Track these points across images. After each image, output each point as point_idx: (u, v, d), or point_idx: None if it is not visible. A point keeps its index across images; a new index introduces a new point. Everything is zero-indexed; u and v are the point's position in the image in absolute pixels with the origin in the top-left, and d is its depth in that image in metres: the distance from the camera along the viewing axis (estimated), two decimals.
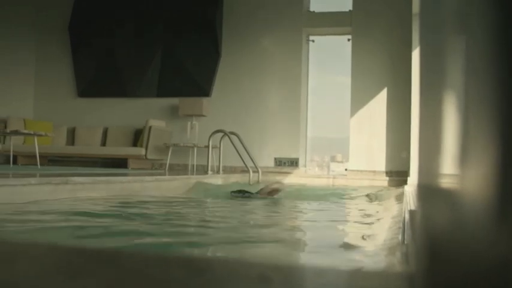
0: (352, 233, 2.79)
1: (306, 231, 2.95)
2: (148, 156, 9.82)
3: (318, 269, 0.85)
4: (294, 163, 10.19)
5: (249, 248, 2.04)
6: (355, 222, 3.49)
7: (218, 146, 8.95)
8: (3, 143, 9.25)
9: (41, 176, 4.33)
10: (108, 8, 11.29)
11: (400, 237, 2.05)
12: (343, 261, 1.80)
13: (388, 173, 9.61)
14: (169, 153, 9.92)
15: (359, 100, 9.98)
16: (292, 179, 9.64)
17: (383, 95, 9.83)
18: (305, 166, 10.45)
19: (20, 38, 11.44)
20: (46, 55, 11.78)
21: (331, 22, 10.41)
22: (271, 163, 10.22)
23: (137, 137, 10.55)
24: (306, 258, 1.94)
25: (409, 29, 8.77)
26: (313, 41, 10.74)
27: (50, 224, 2.84)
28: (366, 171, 9.72)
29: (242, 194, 5.66)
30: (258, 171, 8.78)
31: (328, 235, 2.66)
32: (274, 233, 2.71)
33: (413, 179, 7.59)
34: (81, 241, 2.11)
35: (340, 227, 3.20)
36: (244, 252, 1.94)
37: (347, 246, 2.17)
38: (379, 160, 9.75)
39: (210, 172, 8.29)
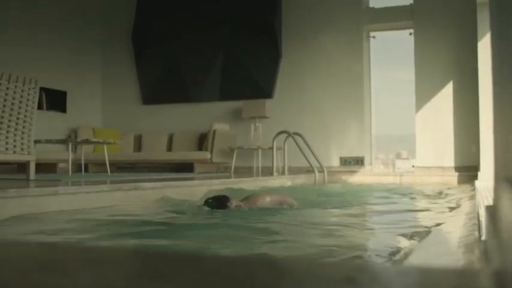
0: (426, 231, 2.73)
1: (378, 230, 2.90)
2: (214, 160, 9.92)
3: (401, 268, 0.83)
4: (359, 161, 10.08)
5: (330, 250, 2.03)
6: (428, 220, 3.41)
7: (282, 147, 8.95)
8: (75, 152, 9.55)
9: (112, 182, 4.44)
10: (168, 16, 11.49)
11: (476, 233, 1.99)
12: (422, 260, 1.76)
13: (457, 169, 9.36)
14: (234, 156, 9.99)
15: (424, 95, 9.78)
16: (359, 177, 9.55)
17: (449, 88, 9.60)
18: (371, 164, 10.31)
19: (88, 53, 11.80)
20: (112, 66, 12.10)
21: (391, 17, 10.24)
22: (337, 162, 10.14)
23: (202, 141, 10.68)
24: (386, 258, 1.91)
25: (473, 18, 8.52)
26: (373, 37, 10.59)
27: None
28: (433, 167, 9.51)
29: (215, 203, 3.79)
30: (323, 171, 8.74)
31: (402, 234, 2.61)
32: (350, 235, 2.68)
33: (485, 173, 7.35)
34: (162, 245, 2.15)
35: (413, 225, 3.13)
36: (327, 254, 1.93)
37: (423, 245, 2.13)
38: (447, 156, 9.51)
39: (275, 173, 8.30)
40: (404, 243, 2.25)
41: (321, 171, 8.72)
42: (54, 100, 10.81)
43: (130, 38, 11.82)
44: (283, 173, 8.81)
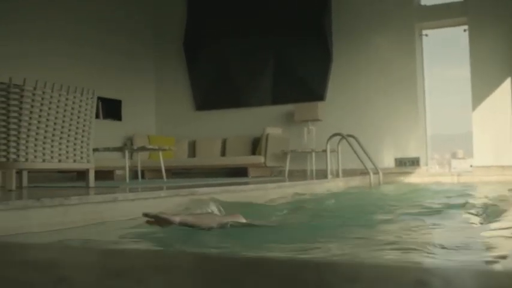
0: (487, 233, 2.66)
1: (436, 235, 2.83)
2: (268, 164, 9.94)
3: (472, 271, 0.82)
4: (415, 162, 9.91)
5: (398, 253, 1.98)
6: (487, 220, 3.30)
7: (336, 149, 8.89)
8: (131, 159, 9.74)
9: (169, 188, 4.50)
10: (219, 20, 11.59)
11: None
12: (490, 262, 1.72)
13: None
14: (288, 160, 9.98)
15: (480, 93, 9.54)
16: (414, 178, 9.39)
17: (507, 84, 9.34)
18: (426, 165, 10.12)
19: (141, 62, 12.03)
20: (164, 73, 12.29)
21: (444, 14, 10.03)
22: (392, 164, 10.00)
23: (255, 145, 10.72)
24: (454, 261, 1.87)
25: None
26: (426, 35, 10.40)
27: None
28: (493, 166, 9.26)
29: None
30: (378, 173, 8.63)
31: (461, 237, 2.55)
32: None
33: None
34: (229, 250, 2.15)
35: (472, 227, 3.04)
36: (397, 257, 1.89)
37: (487, 247, 2.07)
38: (507, 154, 9.25)
39: (329, 176, 8.25)
40: (464, 245, 2.20)
41: (376, 173, 8.62)
42: (110, 109, 11.06)
43: (182, 46, 11.98)
44: (337, 175, 8.74)
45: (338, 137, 8.66)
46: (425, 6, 10.22)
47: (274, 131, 10.27)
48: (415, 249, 2.06)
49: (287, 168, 9.96)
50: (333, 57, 10.58)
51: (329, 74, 10.61)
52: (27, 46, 9.32)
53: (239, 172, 10.18)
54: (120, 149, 8.57)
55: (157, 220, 2.71)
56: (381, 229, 2.82)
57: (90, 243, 2.32)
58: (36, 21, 9.64)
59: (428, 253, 1.97)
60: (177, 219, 2.75)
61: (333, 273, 0.76)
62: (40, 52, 9.53)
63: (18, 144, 4.44)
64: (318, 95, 10.58)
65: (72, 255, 0.98)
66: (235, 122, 11.37)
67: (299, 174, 10.06)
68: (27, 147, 4.50)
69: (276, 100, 10.96)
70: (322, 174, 8.84)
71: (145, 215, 2.77)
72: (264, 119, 10.83)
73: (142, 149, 8.60)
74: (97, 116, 7.96)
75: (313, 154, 9.94)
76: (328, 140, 8.47)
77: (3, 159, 4.42)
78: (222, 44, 11.49)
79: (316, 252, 2.09)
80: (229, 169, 10.63)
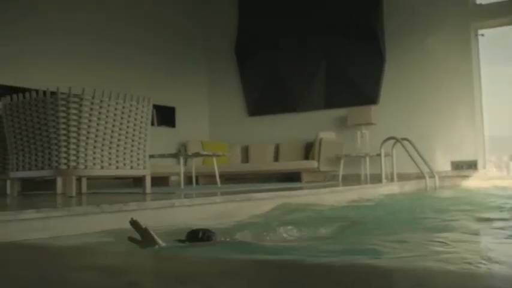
0: None
1: (499, 242, 2.74)
2: (321, 169, 9.88)
3: None
4: (472, 165, 9.66)
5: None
6: None
7: (390, 153, 8.77)
8: (186, 165, 9.86)
9: (224, 194, 4.53)
10: (270, 27, 11.62)
11: None
12: None
13: None
14: (342, 164, 9.90)
15: None
16: (472, 182, 9.16)
17: None
18: (484, 168, 9.85)
19: (194, 70, 12.18)
20: (217, 80, 12.39)
21: (501, 12, 9.75)
22: (448, 167, 9.78)
23: (308, 150, 10.68)
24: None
25: None
26: (482, 35, 10.14)
27: None
28: None
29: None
30: (434, 177, 8.48)
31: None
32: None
33: None
34: (290, 255, 2.15)
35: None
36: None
37: None
38: None
39: (384, 180, 8.14)
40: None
41: (432, 176, 8.46)
42: (164, 116, 11.24)
43: (234, 52, 12.05)
44: (392, 179, 8.63)
45: (392, 141, 8.54)
46: (481, 5, 9.96)
47: (327, 136, 10.21)
48: (480, 260, 2.01)
49: (341, 173, 9.87)
50: (386, 59, 10.45)
51: (382, 77, 10.48)
52: (90, 50, 9.57)
53: (292, 177, 10.16)
54: (174, 156, 8.69)
55: (144, 236, 2.39)
56: (440, 236, 2.76)
57: (156, 249, 2.31)
58: (94, 24, 9.87)
59: (493, 262, 1.92)
60: (163, 244, 2.43)
61: (400, 279, 0.75)
62: (97, 58, 9.76)
63: (77, 151, 4.57)
64: (371, 98, 10.47)
65: (141, 260, 0.99)
66: (288, 127, 11.36)
67: (353, 179, 9.95)
68: (86, 154, 4.62)
69: (329, 104, 10.90)
70: (376, 179, 8.74)
71: (133, 222, 2.42)
72: (316, 124, 10.78)
73: (197, 155, 8.70)
74: (152, 123, 8.07)
75: (367, 158, 9.83)
76: (382, 143, 8.37)
77: (64, 167, 4.55)
78: (273, 51, 11.51)
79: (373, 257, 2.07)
80: (282, 174, 10.62)
